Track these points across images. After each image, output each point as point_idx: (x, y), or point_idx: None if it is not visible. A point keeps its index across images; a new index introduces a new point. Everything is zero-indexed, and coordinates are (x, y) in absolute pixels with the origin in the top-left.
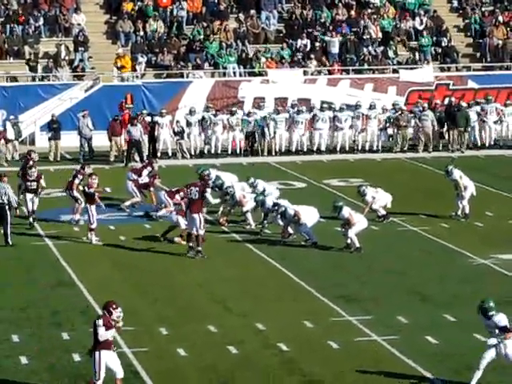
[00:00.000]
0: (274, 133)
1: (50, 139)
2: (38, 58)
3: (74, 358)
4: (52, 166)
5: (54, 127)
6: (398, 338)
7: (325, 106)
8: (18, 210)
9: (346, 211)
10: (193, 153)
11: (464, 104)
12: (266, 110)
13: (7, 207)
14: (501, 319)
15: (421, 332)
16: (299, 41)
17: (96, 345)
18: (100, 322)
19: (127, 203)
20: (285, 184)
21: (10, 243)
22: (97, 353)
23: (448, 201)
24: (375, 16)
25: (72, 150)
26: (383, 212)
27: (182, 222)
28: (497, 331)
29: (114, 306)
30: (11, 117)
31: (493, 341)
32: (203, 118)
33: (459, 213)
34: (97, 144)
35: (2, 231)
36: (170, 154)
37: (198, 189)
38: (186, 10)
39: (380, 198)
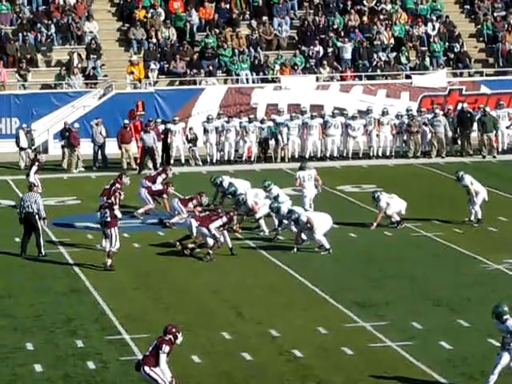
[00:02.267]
0: (288, 139)
1: (63, 147)
2: (28, 66)
3: (89, 366)
4: (65, 173)
5: (66, 135)
6: (412, 344)
7: (336, 111)
8: (46, 221)
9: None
10: (209, 160)
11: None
12: (284, 117)
13: (37, 217)
14: None
15: (435, 337)
16: (312, 47)
17: (149, 363)
18: (167, 349)
19: (141, 210)
20: (298, 190)
21: (43, 253)
22: (146, 367)
23: (461, 206)
24: (387, 22)
25: (85, 158)
26: (397, 218)
27: (194, 227)
28: (508, 336)
29: (178, 330)
30: (24, 125)
31: (505, 359)
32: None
33: (472, 218)
34: (110, 152)
35: (35, 242)
36: (183, 161)
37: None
38: (199, 17)
39: (394, 205)
